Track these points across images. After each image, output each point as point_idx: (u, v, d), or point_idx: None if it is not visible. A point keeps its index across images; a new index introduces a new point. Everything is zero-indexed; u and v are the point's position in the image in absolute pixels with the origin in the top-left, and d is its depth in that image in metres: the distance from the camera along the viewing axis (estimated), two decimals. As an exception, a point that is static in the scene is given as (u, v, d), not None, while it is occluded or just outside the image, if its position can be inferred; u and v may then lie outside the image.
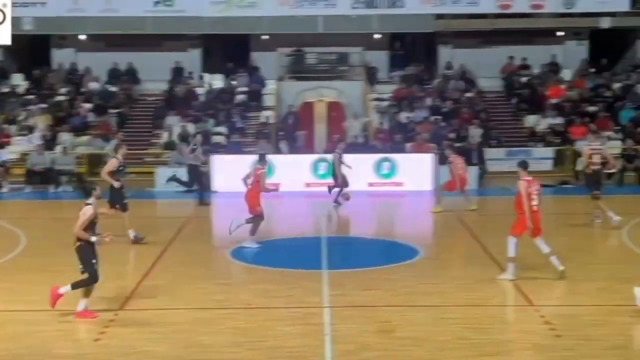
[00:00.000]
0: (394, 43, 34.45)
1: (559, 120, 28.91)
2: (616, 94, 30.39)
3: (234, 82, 32.15)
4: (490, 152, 26.99)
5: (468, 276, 14.41)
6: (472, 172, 24.82)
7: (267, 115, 30.32)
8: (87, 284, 11.70)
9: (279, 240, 18.27)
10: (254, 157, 18.70)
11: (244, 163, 22.30)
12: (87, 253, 11.58)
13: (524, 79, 31.53)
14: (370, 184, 24.81)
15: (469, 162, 25.00)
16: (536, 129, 28.97)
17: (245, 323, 11.68)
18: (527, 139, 28.71)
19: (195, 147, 23.36)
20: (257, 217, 16.66)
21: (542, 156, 27.58)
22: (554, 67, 32.12)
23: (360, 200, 22.78)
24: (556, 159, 27.70)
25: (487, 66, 31.94)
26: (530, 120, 29.64)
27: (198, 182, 23.00)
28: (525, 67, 32.14)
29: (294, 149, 28.61)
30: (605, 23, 31.44)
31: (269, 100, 31.77)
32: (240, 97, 31.56)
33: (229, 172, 23.31)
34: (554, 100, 30.00)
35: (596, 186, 19.04)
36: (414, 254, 16.23)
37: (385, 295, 13.16)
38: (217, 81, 32.50)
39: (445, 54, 33.01)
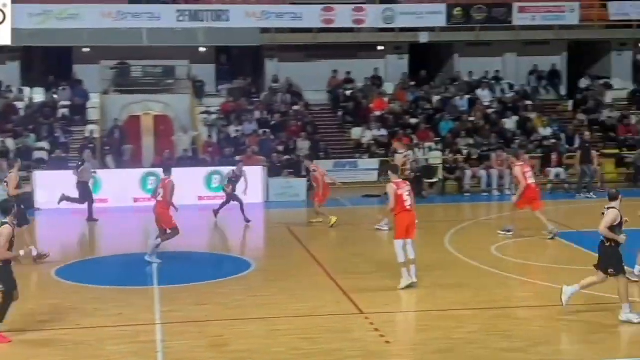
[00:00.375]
0: (221, 56, 34.44)
1: (383, 132, 29.74)
2: (435, 106, 31.61)
3: (55, 96, 31.12)
4: (318, 164, 27.38)
5: (299, 287, 14.57)
6: (303, 184, 25.18)
7: (91, 130, 29.53)
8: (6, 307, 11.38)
9: (108, 257, 17.83)
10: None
11: (67, 179, 21.67)
12: (6, 273, 11.31)
13: (348, 92, 32.26)
14: (201, 198, 24.65)
15: (298, 174, 25.36)
16: (362, 141, 29.70)
17: (73, 344, 11.31)
18: (353, 151, 29.39)
19: (81, 164, 22.72)
20: (173, 231, 16.43)
21: (367, 167, 28.29)
22: (376, 81, 33.04)
23: (190, 214, 22.59)
24: (380, 170, 28.45)
25: (313, 79, 32.46)
26: (356, 132, 30.36)
27: (88, 199, 22.29)
28: (350, 80, 32.90)
29: (120, 164, 28.01)
30: (424, 38, 32.67)
31: (93, 114, 30.95)
32: (63, 111, 30.58)
33: (51, 188, 22.57)
34: (377, 113, 30.83)
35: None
36: (246, 267, 16.25)
37: (218, 310, 13.09)
38: (38, 95, 31.35)
39: (272, 67, 33.30)
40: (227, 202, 21.38)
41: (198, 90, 32.05)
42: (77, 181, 22.33)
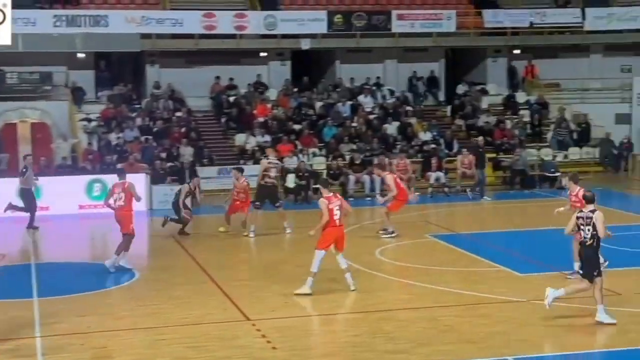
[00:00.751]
0: (100, 62, 33.78)
1: (266, 138, 29.78)
2: (318, 112, 31.87)
3: None
4: (202, 171, 27.22)
5: (185, 295, 14.45)
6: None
7: (-35, 138, 28.50)
8: None
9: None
10: None
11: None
12: None
13: (231, 99, 32.16)
14: (81, 206, 24.11)
15: (182, 181, 25.07)
16: (246, 147, 29.64)
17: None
18: (237, 157, 29.30)
19: (25, 170, 21.96)
20: (128, 235, 16.31)
21: (252, 173, 28.16)
22: (259, 87, 33.06)
23: (71, 223, 22.07)
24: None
25: (195, 86, 32.19)
26: (239, 138, 30.29)
27: (30, 206, 21.55)
28: (233, 87, 32.79)
29: (-3, 172, 27.12)
30: (306, 44, 32.90)
31: (-34, 122, 29.87)
32: None
33: None
34: (261, 119, 30.85)
35: (273, 199, 20.50)
36: (130, 277, 15.99)
37: (101, 320, 12.85)
38: None
39: (153, 73, 32.86)
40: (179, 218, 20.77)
41: (77, 96, 31.33)
42: (20, 188, 21.79)
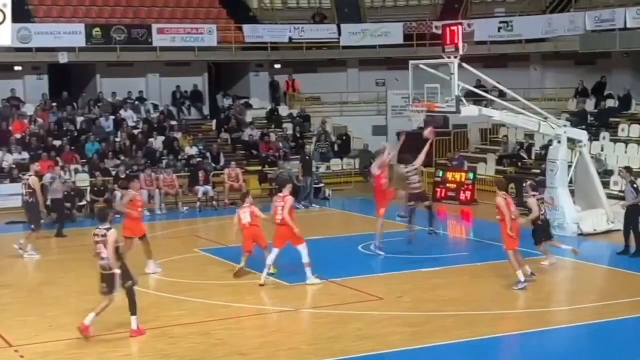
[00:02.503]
0: None
1: (24, 155, 28.52)
2: (80, 128, 30.92)
3: None
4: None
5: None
6: None
7: None
8: None
9: None
10: None
11: None
12: None
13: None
14: None
15: None
16: (2, 165, 28.22)
17: None
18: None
19: None
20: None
21: (10, 192, 26.86)
22: (15, 102, 31.63)
23: None
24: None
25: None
26: (-5, 156, 28.78)
27: None
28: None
29: None
30: (63, 58, 31.80)
31: None
32: None
33: None
34: (18, 135, 29.51)
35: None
36: None
37: None
38: None
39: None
40: None
41: None
42: None
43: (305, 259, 15.78)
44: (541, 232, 16.88)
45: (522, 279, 15.22)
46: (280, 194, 16.40)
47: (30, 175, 20.45)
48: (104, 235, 12.56)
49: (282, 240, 15.89)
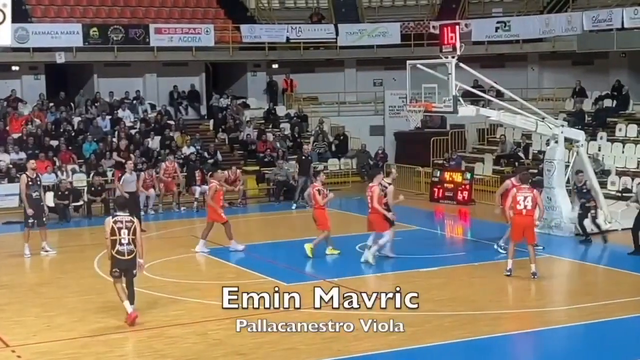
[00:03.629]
0: None
1: (22, 155, 28.48)
2: (77, 128, 30.88)
3: None
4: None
5: None
6: None
7: None
8: None
9: None
10: None
11: None
12: None
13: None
14: None
15: None
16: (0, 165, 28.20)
17: None
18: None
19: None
20: None
21: (7, 192, 26.83)
22: (13, 102, 31.59)
23: None
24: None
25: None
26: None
27: None
28: None
29: None
30: (60, 58, 31.77)
31: None
32: None
33: None
34: (15, 135, 29.48)
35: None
36: None
37: None
38: None
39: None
40: None
41: None
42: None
43: (381, 241, 17.26)
44: None
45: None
46: (370, 184, 17.60)
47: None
48: (131, 222, 12.67)
49: (371, 226, 17.57)
